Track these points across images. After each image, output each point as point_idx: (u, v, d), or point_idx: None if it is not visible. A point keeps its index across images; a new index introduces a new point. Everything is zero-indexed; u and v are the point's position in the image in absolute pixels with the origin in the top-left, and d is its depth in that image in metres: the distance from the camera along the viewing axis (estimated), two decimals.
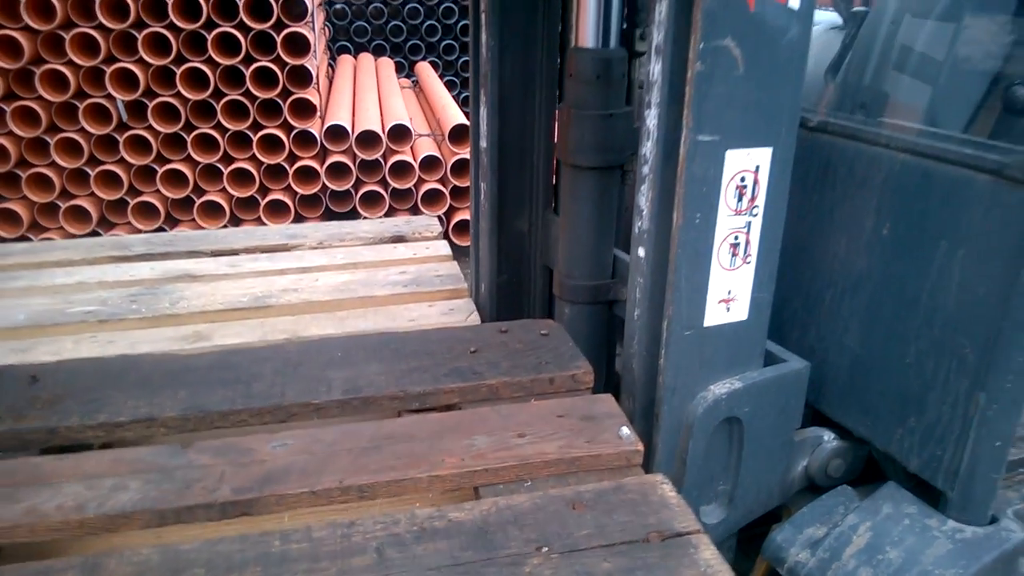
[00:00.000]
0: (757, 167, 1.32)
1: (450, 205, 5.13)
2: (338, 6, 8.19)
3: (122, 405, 1.38)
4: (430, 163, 5.06)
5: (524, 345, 1.61)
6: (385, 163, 5.02)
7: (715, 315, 1.41)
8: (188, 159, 4.83)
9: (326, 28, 7.29)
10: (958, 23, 1.62)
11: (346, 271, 2.22)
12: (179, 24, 4.54)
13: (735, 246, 1.37)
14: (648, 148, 1.34)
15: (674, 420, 1.44)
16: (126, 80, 4.61)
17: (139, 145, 4.74)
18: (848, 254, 1.60)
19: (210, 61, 4.64)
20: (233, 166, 4.84)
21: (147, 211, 4.88)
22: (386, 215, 5.07)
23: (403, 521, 1.08)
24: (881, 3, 1.84)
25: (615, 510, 1.11)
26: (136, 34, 4.51)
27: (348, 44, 8.27)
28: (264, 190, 4.98)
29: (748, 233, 1.37)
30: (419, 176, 5.04)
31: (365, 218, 4.95)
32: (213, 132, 4.76)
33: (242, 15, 4.60)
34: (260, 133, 4.81)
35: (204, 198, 4.86)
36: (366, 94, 5.93)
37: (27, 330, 1.87)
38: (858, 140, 1.56)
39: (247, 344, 1.77)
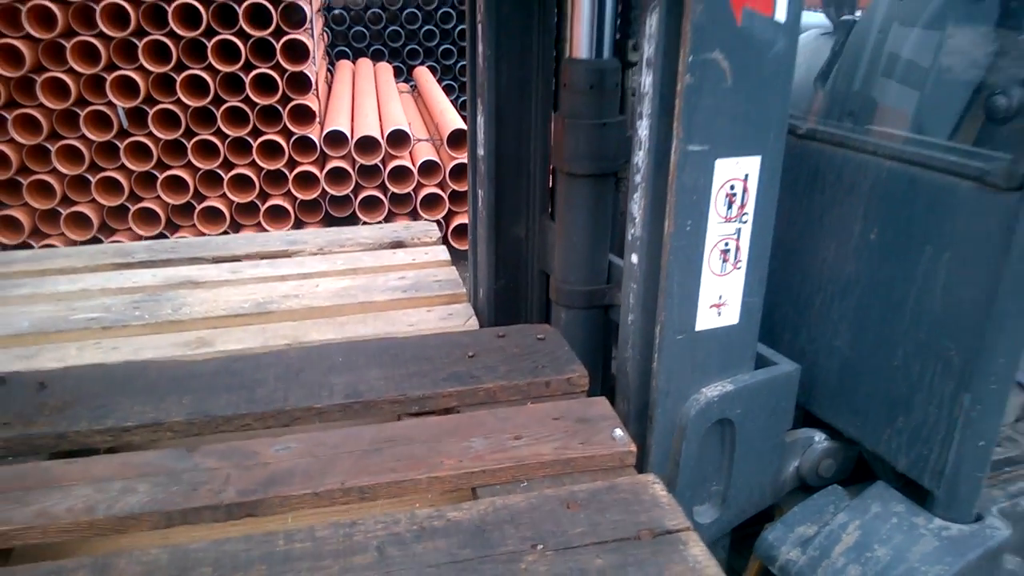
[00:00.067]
0: (746, 175, 1.36)
1: (449, 209, 5.17)
2: (336, 11, 8.23)
3: (129, 410, 1.42)
4: (429, 168, 5.09)
5: (521, 350, 1.65)
6: (384, 168, 5.05)
7: (706, 319, 1.44)
8: (188, 165, 4.86)
9: (325, 34, 7.32)
10: (943, 33, 1.65)
11: (346, 277, 2.25)
12: (179, 32, 4.58)
13: (725, 252, 1.41)
14: (640, 157, 1.38)
15: (667, 422, 1.47)
16: (127, 87, 4.65)
17: (140, 152, 4.78)
18: (837, 259, 1.63)
19: (210, 68, 4.68)
20: (233, 172, 4.88)
21: (148, 217, 4.91)
22: (385, 219, 5.10)
23: (403, 521, 1.12)
24: (869, 12, 1.87)
25: (608, 509, 1.14)
26: (136, 42, 4.55)
27: (347, 49, 8.30)
28: (264, 195, 5.01)
29: (738, 239, 1.41)
30: (418, 181, 5.07)
31: (364, 222, 4.99)
32: (213, 138, 4.80)
33: (241, 23, 4.64)
34: (260, 139, 4.85)
35: (204, 204, 4.90)
36: (365, 99, 5.96)
37: (31, 337, 1.91)
38: (846, 147, 1.59)
39: (249, 349, 1.80)
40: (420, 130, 5.65)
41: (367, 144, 5.04)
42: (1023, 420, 1.90)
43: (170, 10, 4.51)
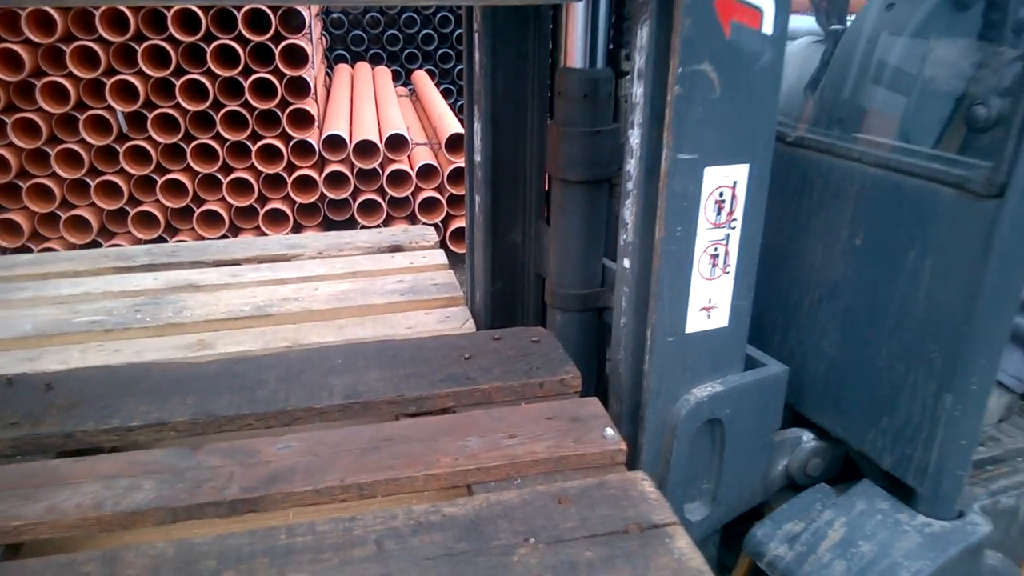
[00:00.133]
0: (735, 183, 1.40)
1: (447, 213, 5.20)
2: (335, 15, 8.26)
3: (134, 411, 1.45)
4: (427, 172, 5.13)
5: (516, 352, 1.68)
6: (383, 172, 5.09)
7: (696, 322, 1.48)
8: (188, 169, 4.90)
9: (323, 38, 7.36)
10: (927, 45, 1.70)
11: (345, 280, 2.28)
12: (178, 36, 4.62)
13: (715, 257, 1.44)
14: (632, 165, 1.41)
15: (659, 422, 1.51)
16: (126, 92, 4.68)
17: (139, 156, 4.81)
18: (824, 263, 1.67)
19: (209, 73, 4.71)
20: (232, 176, 4.91)
21: (147, 220, 4.94)
22: (384, 223, 5.14)
23: (401, 516, 1.15)
24: (857, 22, 1.91)
25: (597, 504, 1.18)
26: (136, 47, 4.58)
27: (345, 53, 8.33)
28: (263, 199, 5.05)
29: (727, 245, 1.45)
30: (416, 185, 5.11)
31: (363, 226, 5.02)
32: (212, 142, 4.83)
33: (241, 27, 4.67)
34: (259, 143, 4.88)
35: (203, 207, 4.93)
36: (363, 104, 6.00)
37: (35, 339, 1.93)
38: (833, 155, 1.63)
39: (250, 352, 1.83)
40: (418, 134, 5.68)
41: (365, 148, 5.07)
42: (1006, 420, 1.94)
43: (169, 15, 4.55)
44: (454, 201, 5.16)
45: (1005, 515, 1.67)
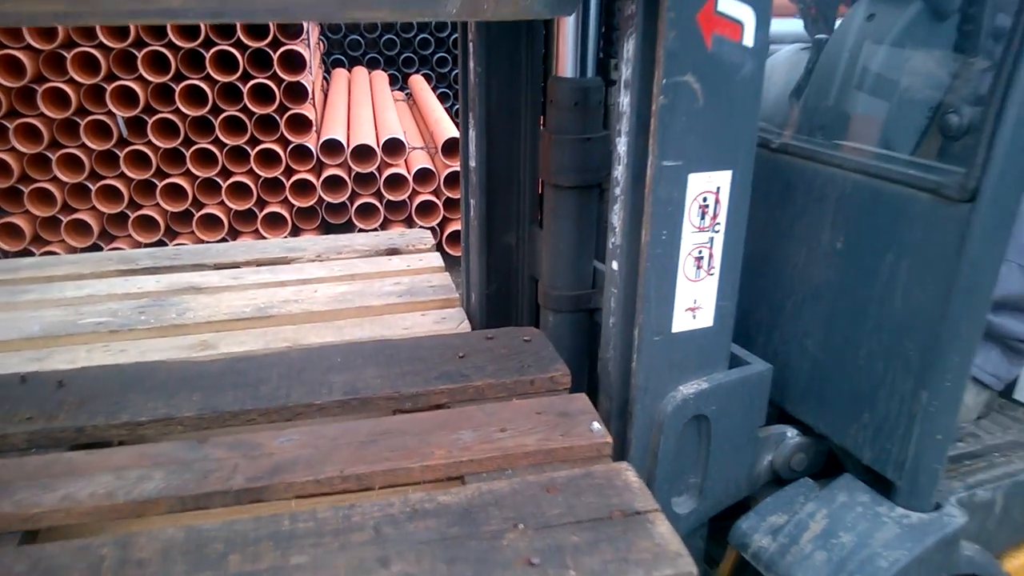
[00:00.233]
0: (718, 188, 1.44)
1: (443, 216, 5.24)
2: None
3: (143, 406, 1.50)
4: (424, 176, 5.17)
5: (508, 350, 1.73)
6: (380, 176, 5.13)
7: (682, 322, 1.52)
8: (187, 173, 4.94)
9: (321, 42, 7.40)
10: (906, 54, 1.75)
11: (343, 282, 2.32)
12: (178, 43, 4.66)
13: (699, 259, 1.49)
14: (619, 172, 1.46)
15: (646, 418, 1.55)
16: (126, 97, 4.73)
17: (139, 160, 4.86)
18: (807, 265, 1.71)
19: (208, 78, 4.76)
20: (231, 180, 4.96)
21: (147, 224, 4.99)
22: (381, 226, 5.18)
23: (397, 504, 1.21)
24: (839, 32, 1.97)
25: (584, 493, 1.23)
26: (136, 53, 4.63)
27: (342, 57, 8.37)
28: (262, 203, 5.09)
29: (711, 248, 1.49)
30: (413, 188, 5.15)
31: (360, 229, 5.07)
32: (211, 147, 4.88)
33: (239, 33, 4.72)
34: (257, 148, 4.92)
35: (203, 211, 4.98)
36: (361, 108, 6.04)
37: (42, 340, 1.97)
38: (816, 161, 1.68)
39: (251, 352, 1.87)
40: (415, 138, 5.73)
41: (363, 152, 5.12)
42: (985, 417, 2.00)
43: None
44: (450, 205, 5.21)
45: (981, 508, 1.73)
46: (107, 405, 1.51)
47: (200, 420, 1.49)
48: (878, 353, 1.57)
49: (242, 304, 2.15)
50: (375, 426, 1.46)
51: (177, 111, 4.78)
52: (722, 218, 1.48)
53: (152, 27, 4.64)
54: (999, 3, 1.57)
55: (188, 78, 4.74)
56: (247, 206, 5.03)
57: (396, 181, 5.17)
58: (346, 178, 5.11)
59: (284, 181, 5.06)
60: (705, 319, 1.54)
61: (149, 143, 4.81)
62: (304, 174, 5.08)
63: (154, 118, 4.76)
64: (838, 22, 2.09)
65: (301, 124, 5.08)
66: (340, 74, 7.56)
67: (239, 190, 5.02)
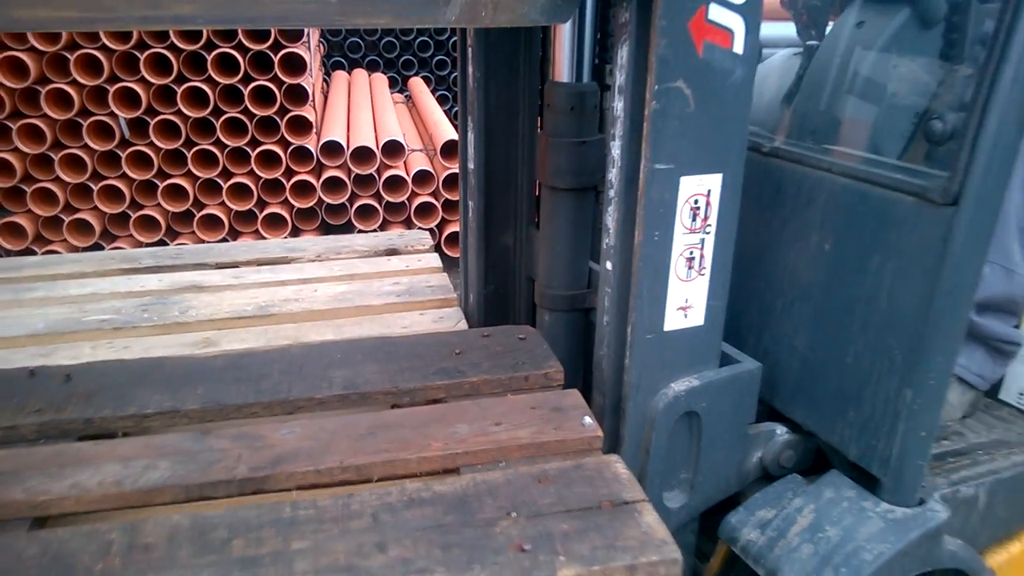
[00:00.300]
0: (709, 191, 1.48)
1: (442, 218, 5.28)
2: None
3: (148, 400, 1.54)
4: (422, 177, 5.21)
5: (504, 348, 1.77)
6: (379, 177, 5.17)
7: (674, 321, 1.55)
8: (188, 174, 4.97)
9: (321, 45, 7.44)
10: (893, 61, 1.80)
11: (343, 282, 2.35)
12: (180, 45, 4.70)
13: (691, 260, 1.53)
14: (613, 175, 1.50)
15: (639, 415, 1.58)
16: (128, 98, 4.77)
17: (141, 161, 4.89)
18: (796, 266, 1.75)
19: (210, 80, 4.79)
20: (232, 181, 4.99)
21: (148, 224, 5.02)
22: (380, 227, 5.22)
23: (395, 493, 1.24)
24: (829, 38, 2.01)
25: (574, 484, 1.27)
26: (138, 55, 4.67)
27: (342, 59, 8.38)
28: (262, 204, 5.12)
29: (702, 249, 1.53)
30: (412, 190, 5.18)
31: (360, 230, 5.11)
32: (212, 148, 4.91)
33: (240, 36, 4.76)
34: (258, 149, 4.96)
35: (204, 212, 5.01)
36: (360, 110, 6.08)
37: (47, 337, 2.00)
38: (805, 165, 1.72)
39: (253, 350, 1.90)
40: (414, 140, 5.76)
41: (362, 154, 5.15)
42: (970, 416, 2.04)
43: None
44: (449, 206, 5.24)
45: (965, 504, 1.76)
46: (114, 398, 1.54)
47: (204, 413, 1.53)
48: (864, 352, 1.60)
49: (243, 303, 2.18)
50: (374, 419, 1.49)
51: (179, 112, 4.81)
52: (713, 220, 1.51)
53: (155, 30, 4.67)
54: (983, 12, 1.61)
55: (190, 80, 4.77)
56: (248, 207, 5.07)
57: (395, 183, 5.20)
58: (346, 179, 5.14)
59: (284, 182, 5.09)
60: (696, 318, 1.58)
61: (151, 144, 4.85)
62: (304, 175, 5.11)
63: (156, 119, 4.79)
64: (829, 28, 2.13)
65: (301, 126, 5.11)
66: (340, 76, 7.59)
67: (240, 191, 5.05)
